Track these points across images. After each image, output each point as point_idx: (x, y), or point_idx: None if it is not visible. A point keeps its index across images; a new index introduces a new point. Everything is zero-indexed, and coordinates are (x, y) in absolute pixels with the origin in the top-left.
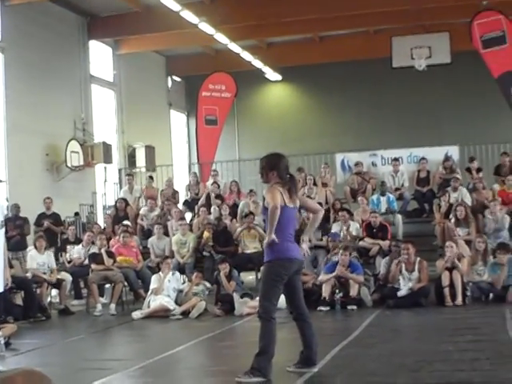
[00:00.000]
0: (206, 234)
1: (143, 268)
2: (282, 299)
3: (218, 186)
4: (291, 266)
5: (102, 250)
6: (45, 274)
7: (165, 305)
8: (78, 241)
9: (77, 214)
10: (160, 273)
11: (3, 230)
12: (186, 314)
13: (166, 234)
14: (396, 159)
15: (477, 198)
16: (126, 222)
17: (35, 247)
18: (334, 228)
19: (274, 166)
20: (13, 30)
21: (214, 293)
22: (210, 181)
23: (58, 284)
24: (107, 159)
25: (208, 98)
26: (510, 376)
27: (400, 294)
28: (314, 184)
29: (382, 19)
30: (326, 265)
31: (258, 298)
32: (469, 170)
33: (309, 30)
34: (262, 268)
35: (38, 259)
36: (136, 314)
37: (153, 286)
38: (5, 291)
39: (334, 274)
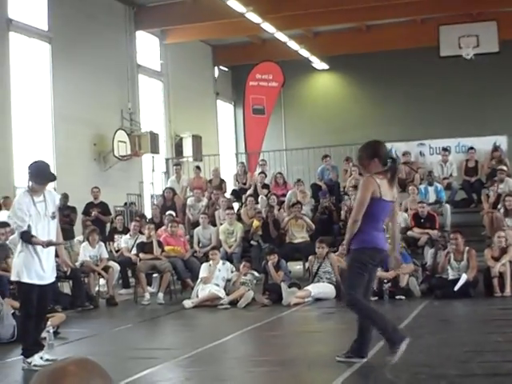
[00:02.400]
0: (255, 223)
1: (191, 257)
2: (331, 289)
3: (265, 176)
4: (377, 255)
5: (154, 240)
6: (97, 265)
7: (215, 293)
8: (126, 230)
9: (125, 203)
10: (210, 262)
11: (56, 220)
12: (233, 303)
13: (213, 223)
14: (445, 149)
15: None
16: (169, 212)
17: (88, 240)
18: None
19: (374, 154)
20: (60, 20)
21: (262, 282)
22: (258, 170)
23: (105, 270)
24: (154, 149)
25: (255, 88)
26: None
27: (457, 287)
28: (360, 174)
29: (429, 8)
30: None
31: (305, 288)
32: None
33: (355, 19)
34: (347, 256)
35: (90, 252)
36: (187, 303)
37: (202, 274)
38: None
39: (389, 274)
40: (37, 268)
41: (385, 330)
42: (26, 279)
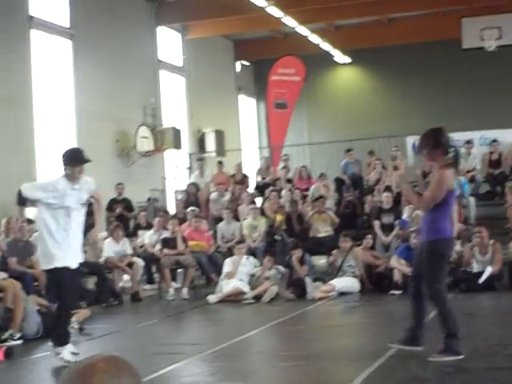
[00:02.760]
0: (279, 218)
1: (215, 252)
2: (355, 283)
3: (288, 170)
4: (452, 245)
5: (178, 235)
6: (122, 262)
7: (239, 287)
8: (149, 226)
9: (149, 199)
10: (234, 256)
11: (84, 209)
12: (258, 298)
13: (237, 218)
14: (469, 142)
15: None
16: (192, 208)
17: (112, 236)
18: (406, 212)
19: (437, 144)
20: (81, 16)
21: (286, 277)
22: (281, 165)
23: (129, 266)
24: (177, 144)
25: (278, 82)
26: None
27: (481, 280)
28: (383, 167)
29: (451, 0)
30: (398, 248)
31: (330, 282)
32: None
33: (377, 12)
34: (424, 247)
35: (114, 247)
36: (211, 298)
37: (226, 269)
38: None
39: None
40: (61, 252)
41: (450, 333)
42: (56, 264)
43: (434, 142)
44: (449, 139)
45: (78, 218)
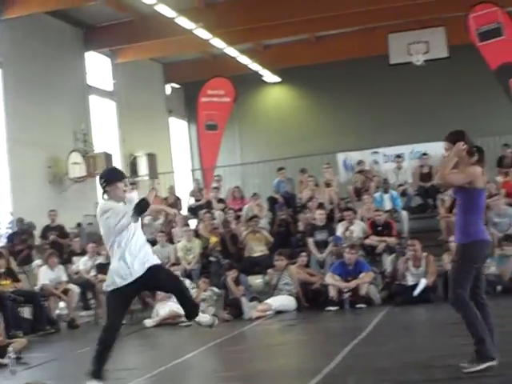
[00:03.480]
0: (213, 239)
1: None
2: (291, 301)
3: (218, 190)
4: (486, 248)
5: None
6: (57, 289)
7: (175, 310)
8: (83, 252)
9: (79, 224)
10: None
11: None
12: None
13: (171, 241)
14: (399, 156)
15: None
16: None
17: (47, 264)
18: (339, 229)
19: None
20: (10, 44)
21: (222, 298)
22: (213, 185)
23: (65, 293)
24: None
25: (207, 104)
26: None
27: (416, 292)
28: (316, 185)
29: (377, 16)
30: (333, 265)
31: (266, 301)
32: None
33: (305, 31)
34: (456, 250)
35: (49, 275)
36: (148, 322)
37: (161, 293)
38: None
39: (344, 286)
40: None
41: (480, 340)
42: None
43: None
44: (471, 141)
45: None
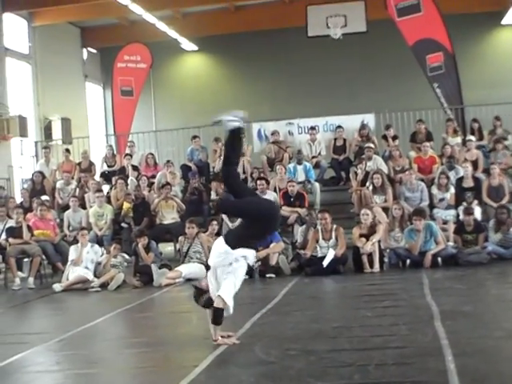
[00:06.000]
0: (125, 205)
1: (61, 241)
2: (201, 269)
3: (131, 157)
4: None
5: (23, 224)
6: None
7: (83, 275)
8: None
9: None
10: (78, 244)
11: None
12: (104, 286)
13: (84, 206)
14: (313, 128)
15: (393, 165)
16: (44, 198)
17: None
18: None
19: None
20: None
21: (133, 264)
22: (126, 152)
23: None
24: (23, 132)
25: (123, 69)
26: (427, 340)
27: (325, 263)
28: None
29: None
30: None
31: (176, 269)
32: (385, 137)
33: (224, 0)
34: None
35: None
36: (56, 287)
37: (71, 257)
38: None
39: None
40: None
41: None
42: None
43: None
44: None
45: None
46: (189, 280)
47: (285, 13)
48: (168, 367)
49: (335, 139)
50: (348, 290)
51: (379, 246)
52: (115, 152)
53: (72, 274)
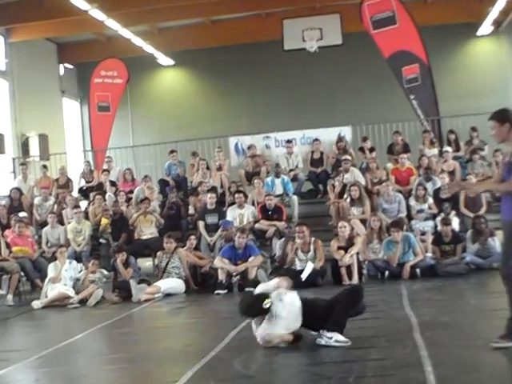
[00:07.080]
0: (104, 221)
1: (39, 258)
2: (180, 284)
3: (108, 173)
4: None
5: (1, 240)
6: None
7: (64, 292)
8: None
9: None
10: (57, 261)
11: None
12: (83, 302)
13: (62, 223)
14: (289, 141)
15: (370, 177)
16: (22, 214)
17: None
18: (229, 213)
19: (507, 120)
20: None
21: (111, 280)
22: (103, 168)
23: None
24: (0, 149)
25: (100, 85)
26: (407, 351)
27: (304, 276)
28: (207, 168)
29: (272, 2)
30: (222, 249)
31: (155, 284)
32: (362, 149)
33: (200, 14)
34: (505, 226)
35: None
36: (36, 304)
37: (50, 274)
38: None
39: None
40: None
41: None
42: None
43: (503, 120)
44: None
45: None
46: (168, 295)
47: (261, 27)
48: (148, 383)
49: (312, 152)
50: None
51: (357, 258)
52: (93, 168)
53: (51, 291)
